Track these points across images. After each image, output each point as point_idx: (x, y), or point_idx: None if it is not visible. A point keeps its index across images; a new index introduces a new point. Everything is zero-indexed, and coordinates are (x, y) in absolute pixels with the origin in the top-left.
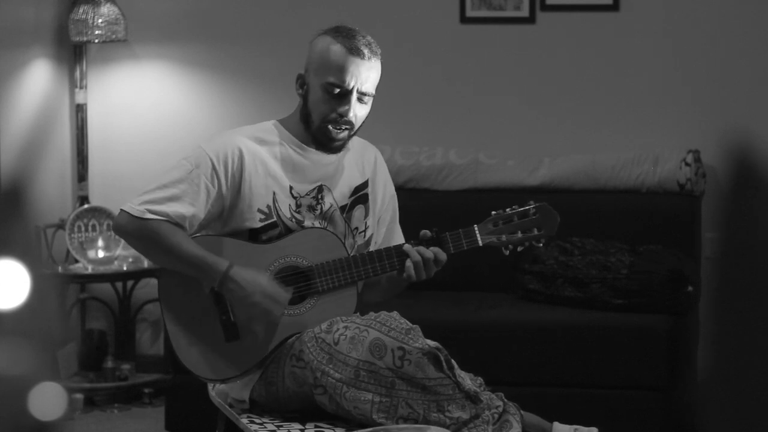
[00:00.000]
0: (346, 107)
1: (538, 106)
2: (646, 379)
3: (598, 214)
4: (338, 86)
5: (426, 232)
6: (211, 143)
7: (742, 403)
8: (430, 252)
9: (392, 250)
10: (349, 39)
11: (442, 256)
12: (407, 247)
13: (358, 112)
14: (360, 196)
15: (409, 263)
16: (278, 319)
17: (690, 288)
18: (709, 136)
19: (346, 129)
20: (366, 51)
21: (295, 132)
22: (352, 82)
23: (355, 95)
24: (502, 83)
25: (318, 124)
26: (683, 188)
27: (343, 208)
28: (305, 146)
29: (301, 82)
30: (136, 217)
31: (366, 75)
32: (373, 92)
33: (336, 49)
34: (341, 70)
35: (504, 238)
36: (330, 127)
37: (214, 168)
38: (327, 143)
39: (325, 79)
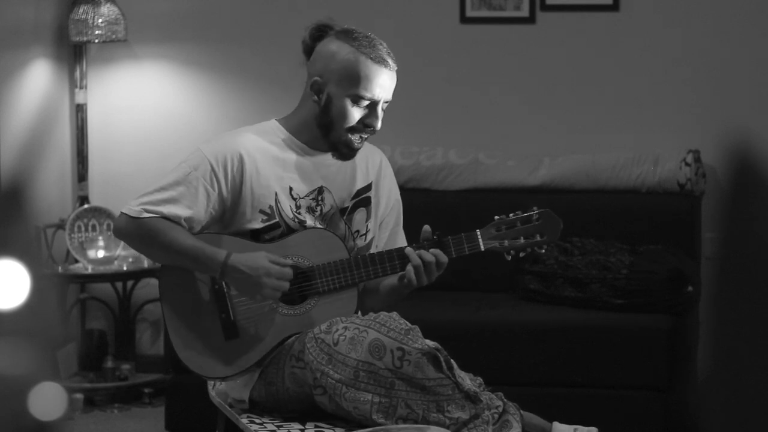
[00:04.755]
0: (374, 118)
1: (538, 106)
2: (646, 379)
3: (598, 214)
4: (368, 99)
5: (428, 232)
6: (210, 145)
7: (742, 403)
8: (430, 255)
9: (393, 253)
10: (372, 48)
11: (443, 258)
12: (408, 250)
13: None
14: (362, 199)
15: (409, 267)
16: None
17: (690, 288)
18: (709, 136)
19: (366, 137)
20: (390, 60)
21: (297, 133)
22: (381, 94)
23: (381, 105)
24: (502, 83)
25: (343, 134)
26: (683, 188)
27: (343, 211)
28: (307, 147)
29: (318, 89)
30: (134, 217)
31: (391, 84)
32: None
33: (363, 60)
34: (371, 83)
35: (506, 243)
36: (355, 136)
37: (213, 170)
38: (347, 152)
39: (353, 91)
